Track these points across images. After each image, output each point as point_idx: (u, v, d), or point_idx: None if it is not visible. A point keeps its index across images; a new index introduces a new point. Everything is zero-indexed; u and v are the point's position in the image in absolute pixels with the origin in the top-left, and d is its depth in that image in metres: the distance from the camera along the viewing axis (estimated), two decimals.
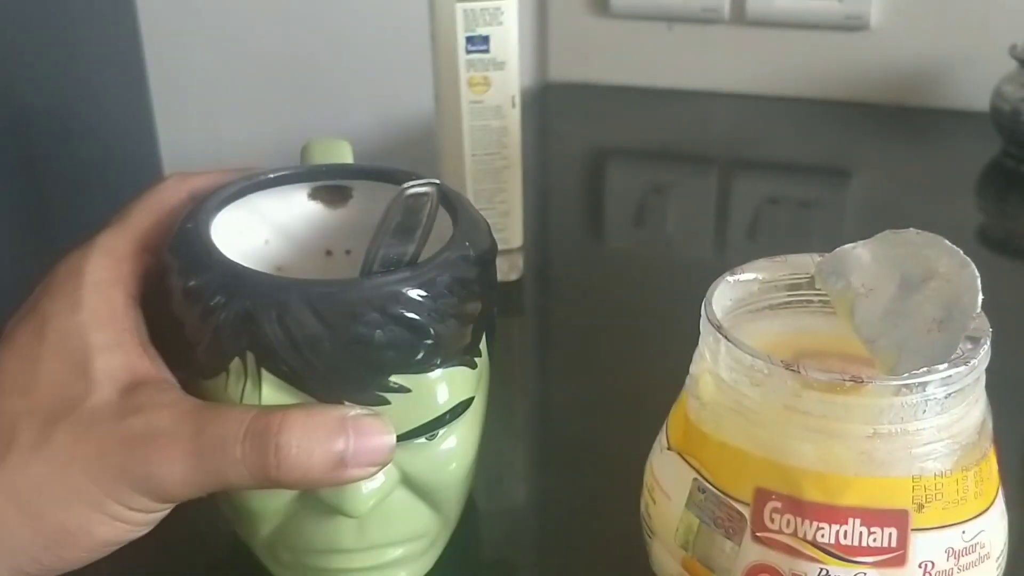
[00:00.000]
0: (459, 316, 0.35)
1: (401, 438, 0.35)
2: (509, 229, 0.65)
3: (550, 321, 0.65)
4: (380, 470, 0.34)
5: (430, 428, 0.36)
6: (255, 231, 0.41)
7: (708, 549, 0.34)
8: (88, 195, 1.14)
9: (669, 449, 0.37)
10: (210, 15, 1.21)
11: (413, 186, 0.34)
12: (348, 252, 0.43)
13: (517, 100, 0.64)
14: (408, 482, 0.37)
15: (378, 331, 0.33)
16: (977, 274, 0.33)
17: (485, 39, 0.62)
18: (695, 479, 0.35)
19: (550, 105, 1.10)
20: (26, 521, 0.32)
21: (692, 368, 0.37)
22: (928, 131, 0.99)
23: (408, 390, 0.34)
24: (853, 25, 1.02)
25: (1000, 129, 0.91)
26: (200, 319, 0.34)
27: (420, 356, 0.34)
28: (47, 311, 0.34)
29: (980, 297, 0.32)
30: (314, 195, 0.43)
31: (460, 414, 0.37)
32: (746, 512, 0.33)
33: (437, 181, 0.35)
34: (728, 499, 0.33)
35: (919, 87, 1.03)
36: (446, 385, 0.36)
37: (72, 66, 1.12)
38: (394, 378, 0.34)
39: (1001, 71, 0.91)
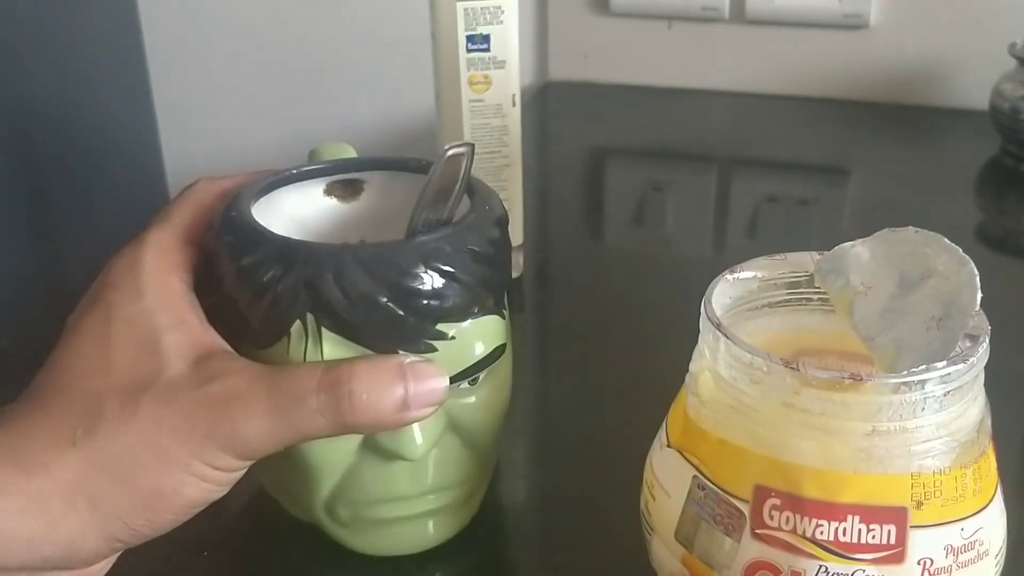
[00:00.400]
0: (489, 268, 0.39)
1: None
2: (509, 227, 0.65)
3: (550, 319, 0.65)
4: (436, 410, 0.38)
5: (471, 372, 0.40)
6: (276, 227, 0.43)
7: (708, 546, 0.34)
8: (91, 197, 1.14)
9: (669, 446, 0.37)
10: (211, 17, 1.21)
11: (452, 147, 0.38)
12: (362, 242, 0.47)
13: (517, 99, 0.64)
14: (454, 427, 0.41)
15: (424, 284, 0.37)
16: (976, 272, 0.33)
17: (486, 38, 0.62)
18: (694, 476, 0.35)
19: (550, 104, 1.11)
20: (121, 488, 0.35)
21: (691, 366, 0.37)
22: (927, 129, 0.99)
23: (452, 338, 0.38)
24: (852, 24, 1.02)
25: (999, 127, 0.91)
26: (258, 291, 0.37)
27: (460, 305, 0.38)
28: (111, 300, 0.38)
29: (979, 295, 0.32)
30: (329, 191, 0.46)
31: (496, 359, 0.41)
32: (745, 509, 0.33)
33: (472, 142, 0.39)
34: (727, 496, 0.34)
35: (918, 85, 1.03)
36: (482, 332, 0.40)
37: (74, 69, 1.12)
38: (439, 326, 0.38)
39: (1000, 69, 0.91)
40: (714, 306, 0.36)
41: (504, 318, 0.41)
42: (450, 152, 0.38)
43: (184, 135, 1.28)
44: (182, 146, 1.28)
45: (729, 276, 0.38)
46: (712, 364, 0.35)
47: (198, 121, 1.27)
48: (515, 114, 0.64)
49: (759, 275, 0.38)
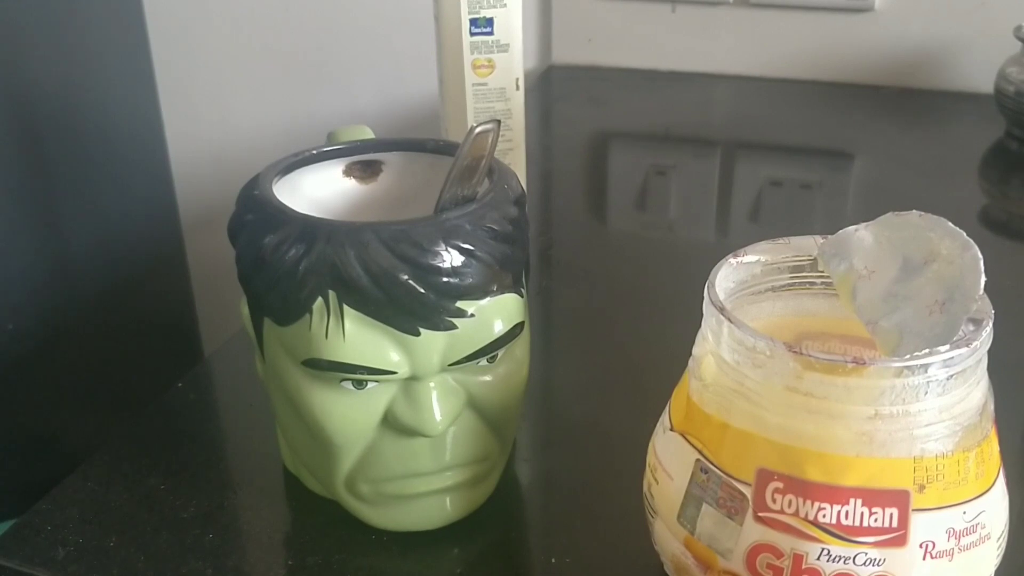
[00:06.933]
0: (508, 246, 0.40)
1: (467, 360, 0.39)
2: None
3: (553, 303, 0.65)
4: None
5: (491, 349, 0.40)
6: (296, 207, 0.44)
7: (710, 529, 0.34)
8: (94, 181, 1.15)
9: (672, 430, 0.37)
10: (214, 2, 1.21)
11: (481, 124, 0.39)
12: None
13: (521, 82, 0.64)
14: (473, 404, 0.42)
15: (444, 262, 0.38)
16: (980, 256, 0.33)
17: (489, 21, 0.62)
18: (697, 460, 0.35)
19: (554, 87, 1.10)
20: None
21: (695, 349, 0.37)
22: (931, 113, 0.99)
23: (471, 315, 0.39)
24: (857, 7, 1.01)
25: (1004, 111, 0.90)
26: (280, 269, 0.38)
27: (479, 283, 0.39)
28: None
29: (983, 279, 0.32)
30: (348, 172, 0.47)
31: (514, 337, 0.41)
32: (748, 492, 0.33)
33: (499, 120, 0.40)
34: (730, 479, 0.34)
35: (923, 69, 1.02)
36: (502, 310, 0.40)
37: (78, 55, 1.12)
38: (459, 304, 0.39)
39: (1005, 53, 0.91)
40: (717, 290, 0.36)
41: (522, 296, 0.42)
42: (478, 129, 0.39)
43: (188, 120, 1.27)
44: (186, 130, 1.28)
45: (732, 260, 0.38)
46: (715, 348, 0.35)
47: (202, 106, 1.27)
48: (518, 98, 0.64)
49: (762, 259, 0.38)
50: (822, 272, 0.38)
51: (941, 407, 0.32)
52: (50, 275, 1.07)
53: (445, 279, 0.38)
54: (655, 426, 0.39)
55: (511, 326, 0.41)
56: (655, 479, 0.37)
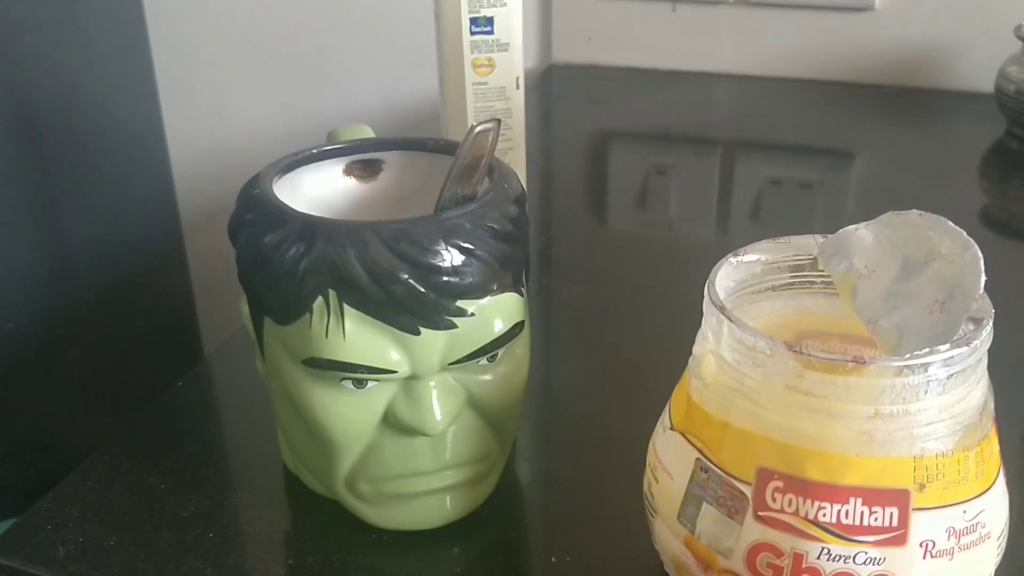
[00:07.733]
0: (508, 246, 0.40)
1: (467, 359, 0.40)
2: None
3: (553, 302, 0.65)
4: None
5: (491, 349, 0.40)
6: (296, 206, 0.44)
7: (710, 528, 0.34)
8: (94, 180, 1.14)
9: (672, 429, 0.37)
10: (215, 3, 1.21)
11: (481, 123, 0.39)
12: None
13: (521, 82, 0.64)
14: (473, 403, 0.42)
15: (444, 261, 0.38)
16: (980, 255, 0.33)
17: (489, 20, 0.62)
18: (697, 459, 0.35)
19: (554, 87, 1.10)
20: None
21: (695, 348, 0.37)
22: (932, 112, 0.99)
23: (472, 314, 0.39)
24: (857, 6, 1.01)
25: (1004, 110, 0.90)
26: (280, 268, 0.38)
27: (479, 282, 0.39)
28: None
29: (983, 278, 0.32)
30: (348, 171, 0.48)
31: (515, 336, 0.41)
32: (748, 491, 0.33)
33: (499, 119, 0.40)
34: (730, 478, 0.34)
35: (923, 68, 1.02)
36: (502, 310, 0.40)
37: (79, 54, 1.12)
38: (459, 303, 0.39)
39: (1006, 52, 0.91)
40: (717, 289, 0.36)
41: (522, 296, 0.42)
42: (478, 129, 0.39)
43: (188, 120, 1.27)
44: (186, 130, 1.28)
45: (733, 259, 0.38)
46: (715, 347, 0.35)
47: (202, 106, 1.27)
48: (519, 97, 0.64)
49: (762, 258, 0.38)
50: (822, 271, 0.38)
51: (941, 406, 0.32)
52: (50, 275, 1.07)
53: (445, 278, 0.38)
54: (655, 426, 0.39)
55: (511, 325, 0.41)
56: (655, 478, 0.37)
